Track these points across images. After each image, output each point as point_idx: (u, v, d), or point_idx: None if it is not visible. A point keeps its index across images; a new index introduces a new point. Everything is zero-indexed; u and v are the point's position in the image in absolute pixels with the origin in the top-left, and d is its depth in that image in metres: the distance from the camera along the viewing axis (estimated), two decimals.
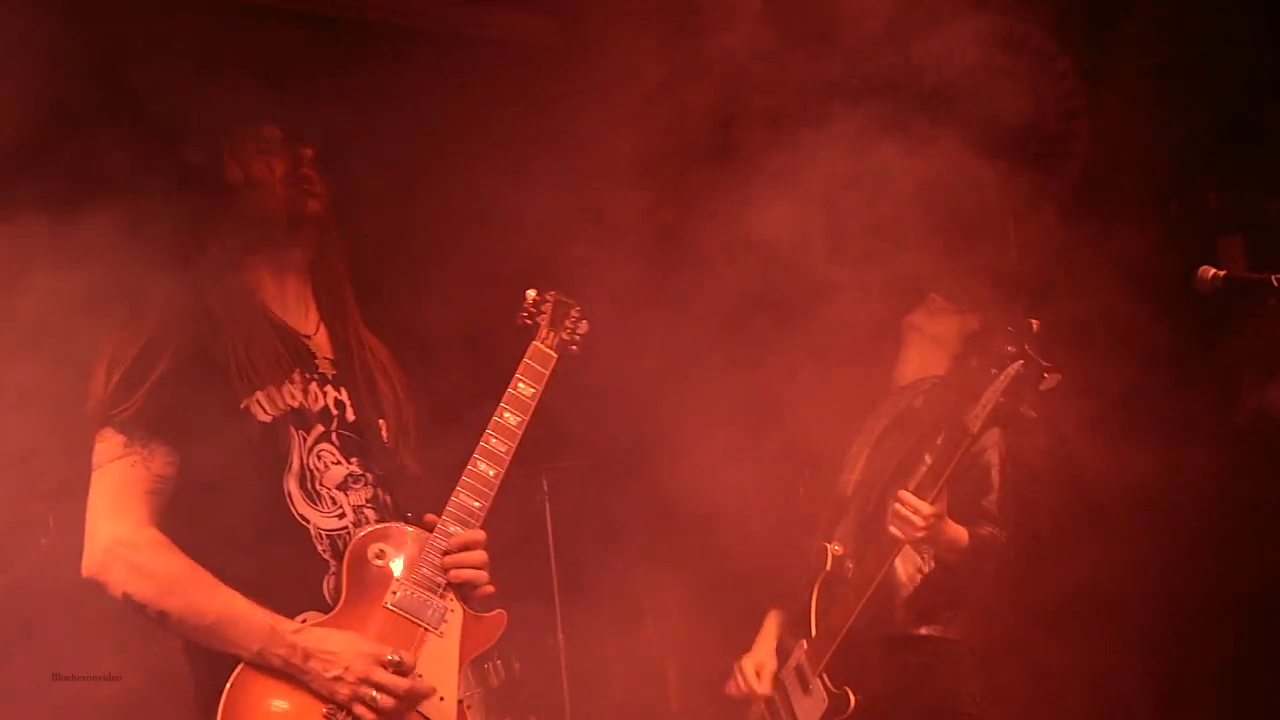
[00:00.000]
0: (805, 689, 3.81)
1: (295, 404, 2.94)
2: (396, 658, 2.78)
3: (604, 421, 4.50)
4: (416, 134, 4.71)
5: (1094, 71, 3.99)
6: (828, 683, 3.72)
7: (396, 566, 2.94)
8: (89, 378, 2.84)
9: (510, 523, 4.54)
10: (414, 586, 2.91)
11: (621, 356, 4.06)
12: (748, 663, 4.00)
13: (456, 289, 4.33)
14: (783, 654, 3.95)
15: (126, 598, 2.64)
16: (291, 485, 2.90)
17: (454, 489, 2.99)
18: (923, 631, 3.77)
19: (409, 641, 2.87)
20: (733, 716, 4.07)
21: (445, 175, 4.69)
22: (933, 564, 3.78)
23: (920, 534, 3.60)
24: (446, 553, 2.95)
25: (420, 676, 2.83)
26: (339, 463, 2.98)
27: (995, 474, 3.77)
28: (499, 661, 4.51)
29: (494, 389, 3.12)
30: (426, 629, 2.90)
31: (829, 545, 3.87)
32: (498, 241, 4.26)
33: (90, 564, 2.75)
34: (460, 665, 2.95)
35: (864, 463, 3.97)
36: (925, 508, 3.57)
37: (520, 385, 3.12)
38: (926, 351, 4.03)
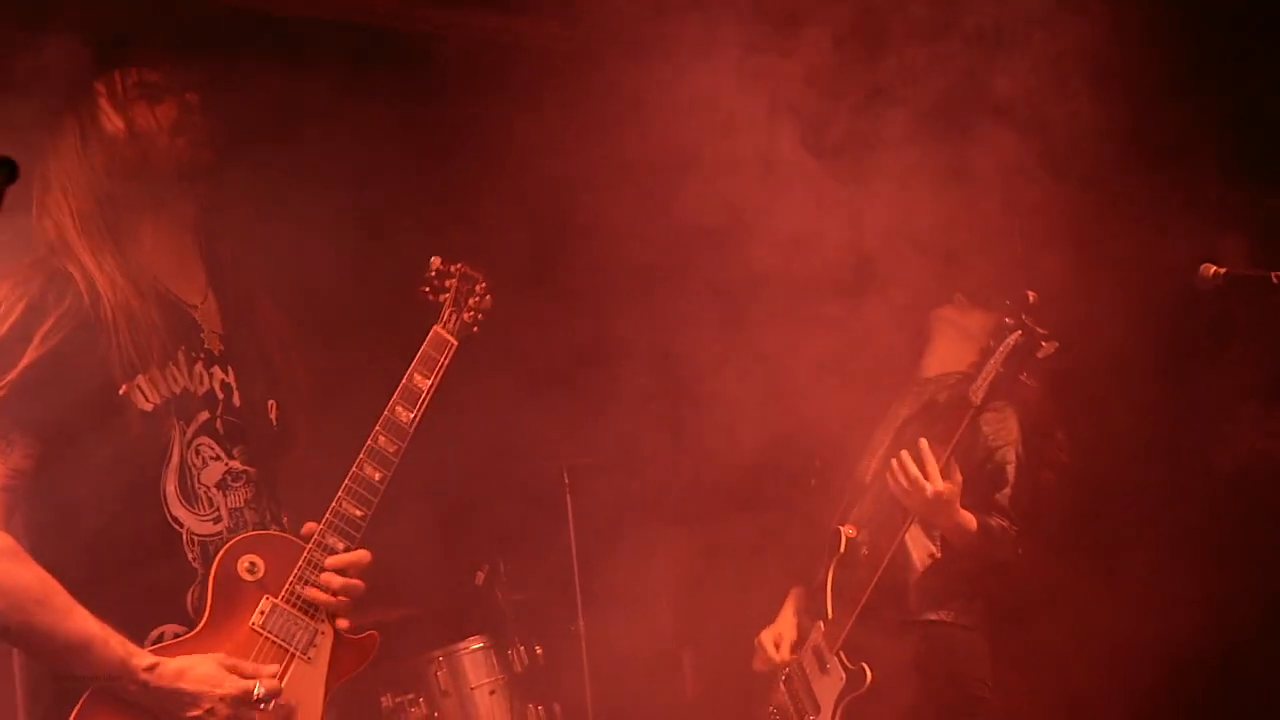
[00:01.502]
0: (823, 669, 3.85)
1: (178, 389, 2.69)
2: (263, 690, 2.58)
3: (623, 419, 4.51)
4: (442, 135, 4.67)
5: (1100, 69, 3.94)
6: (844, 660, 3.77)
7: (268, 583, 2.71)
8: None
9: (533, 516, 4.74)
10: (285, 606, 2.70)
11: (641, 354, 4.21)
12: (767, 635, 4.04)
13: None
14: (801, 634, 4.00)
15: None
16: (169, 483, 2.67)
17: (336, 495, 2.76)
18: (933, 616, 3.82)
19: (271, 666, 2.68)
20: (756, 693, 4.09)
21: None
22: (943, 550, 3.81)
23: (924, 503, 3.61)
24: (323, 570, 2.73)
25: (290, 703, 2.65)
26: (218, 458, 2.74)
27: (1010, 470, 3.82)
28: (522, 648, 4.53)
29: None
30: (294, 654, 2.69)
31: (842, 529, 3.91)
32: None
33: None
34: (327, 692, 2.73)
35: (884, 451, 4.00)
36: (913, 468, 3.60)
37: (415, 377, 2.88)
38: (955, 343, 4.08)
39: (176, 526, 2.63)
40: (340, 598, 2.71)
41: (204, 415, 2.70)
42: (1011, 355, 3.62)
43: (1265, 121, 4.68)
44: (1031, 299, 3.64)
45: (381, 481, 2.77)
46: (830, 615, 3.81)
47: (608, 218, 4.16)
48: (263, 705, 2.55)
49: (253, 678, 2.55)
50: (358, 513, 2.74)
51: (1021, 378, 3.69)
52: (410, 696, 4.41)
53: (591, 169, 4.03)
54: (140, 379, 2.60)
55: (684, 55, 3.83)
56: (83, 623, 2.41)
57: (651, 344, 4.30)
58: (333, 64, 4.14)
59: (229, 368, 2.77)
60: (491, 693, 4.46)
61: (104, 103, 2.68)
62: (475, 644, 4.53)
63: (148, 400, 2.60)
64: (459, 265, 3.04)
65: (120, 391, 2.56)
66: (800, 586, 4.09)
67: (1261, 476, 4.47)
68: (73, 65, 2.68)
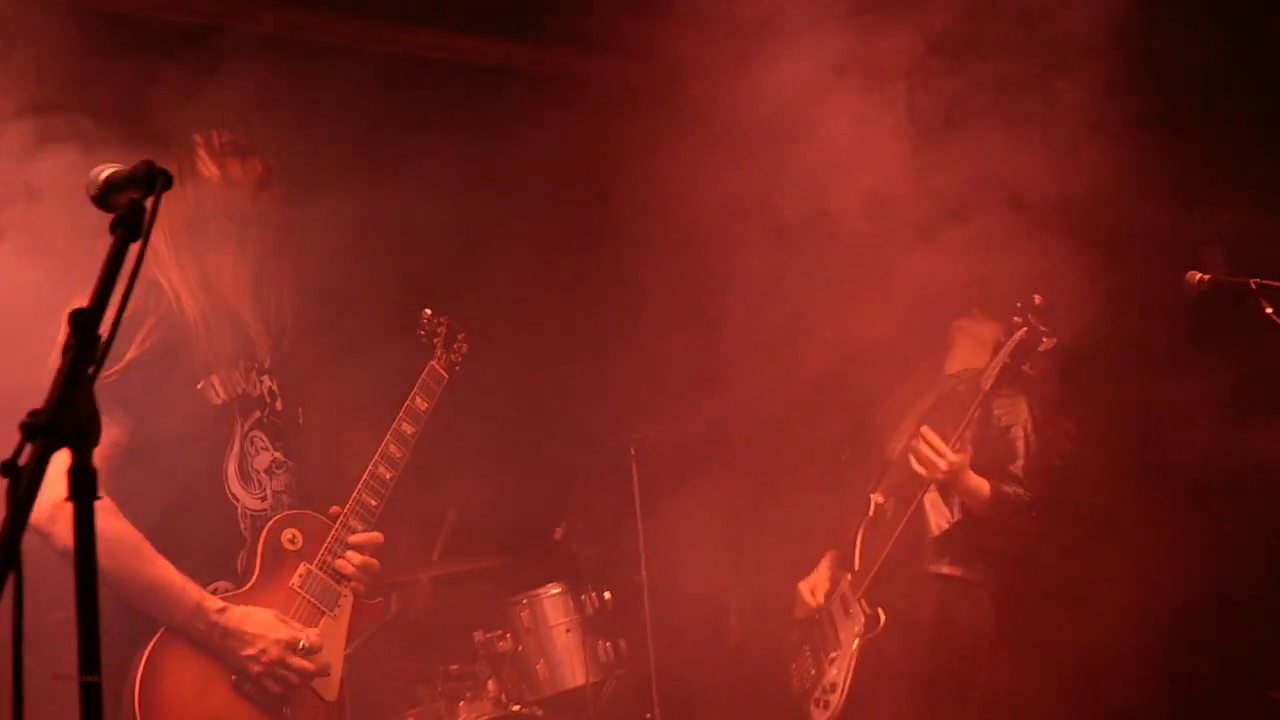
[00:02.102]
0: (847, 612, 4.09)
1: (239, 390, 2.97)
2: (308, 644, 2.88)
3: (683, 397, 4.69)
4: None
5: (1088, 105, 3.97)
6: (864, 605, 4.01)
7: (305, 552, 3.03)
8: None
9: (605, 482, 4.96)
10: (318, 572, 3.03)
11: (695, 343, 4.39)
12: (804, 585, 4.28)
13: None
14: (833, 585, 4.22)
15: (66, 552, 2.40)
16: (230, 465, 2.95)
17: (357, 488, 3.13)
18: (946, 571, 4.05)
19: (309, 619, 2.97)
20: (790, 633, 4.35)
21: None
22: (960, 515, 4.03)
23: (940, 471, 3.84)
24: (348, 547, 3.07)
25: (322, 655, 2.93)
26: (266, 449, 3.03)
27: (1021, 445, 4.01)
28: (594, 594, 4.73)
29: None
30: (324, 610, 3.00)
31: (872, 496, 4.17)
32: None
33: (39, 515, 2.51)
34: (348, 644, 3.08)
35: (907, 434, 4.19)
36: (941, 445, 3.83)
37: (417, 400, 3.33)
38: (971, 347, 4.28)
39: (234, 501, 2.94)
40: (360, 571, 3.05)
41: (257, 414, 3.01)
42: (1017, 349, 3.84)
43: (1241, 147, 4.78)
44: (1037, 301, 3.85)
45: (391, 479, 3.16)
46: (857, 567, 4.09)
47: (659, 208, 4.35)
48: (305, 652, 2.86)
49: (300, 633, 2.89)
50: (373, 503, 3.12)
51: (1025, 368, 3.90)
52: (499, 633, 4.60)
53: (653, 169, 4.20)
54: (214, 377, 2.90)
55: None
56: (166, 570, 2.71)
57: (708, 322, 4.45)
58: (411, 96, 4.34)
59: (274, 379, 3.09)
60: (567, 631, 4.66)
61: (201, 152, 2.97)
62: (554, 589, 4.73)
63: (218, 395, 2.91)
64: (444, 318, 3.54)
65: (198, 386, 2.87)
66: (835, 549, 4.33)
67: (1240, 455, 4.47)
68: (175, 117, 3.02)
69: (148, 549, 2.69)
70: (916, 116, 4.04)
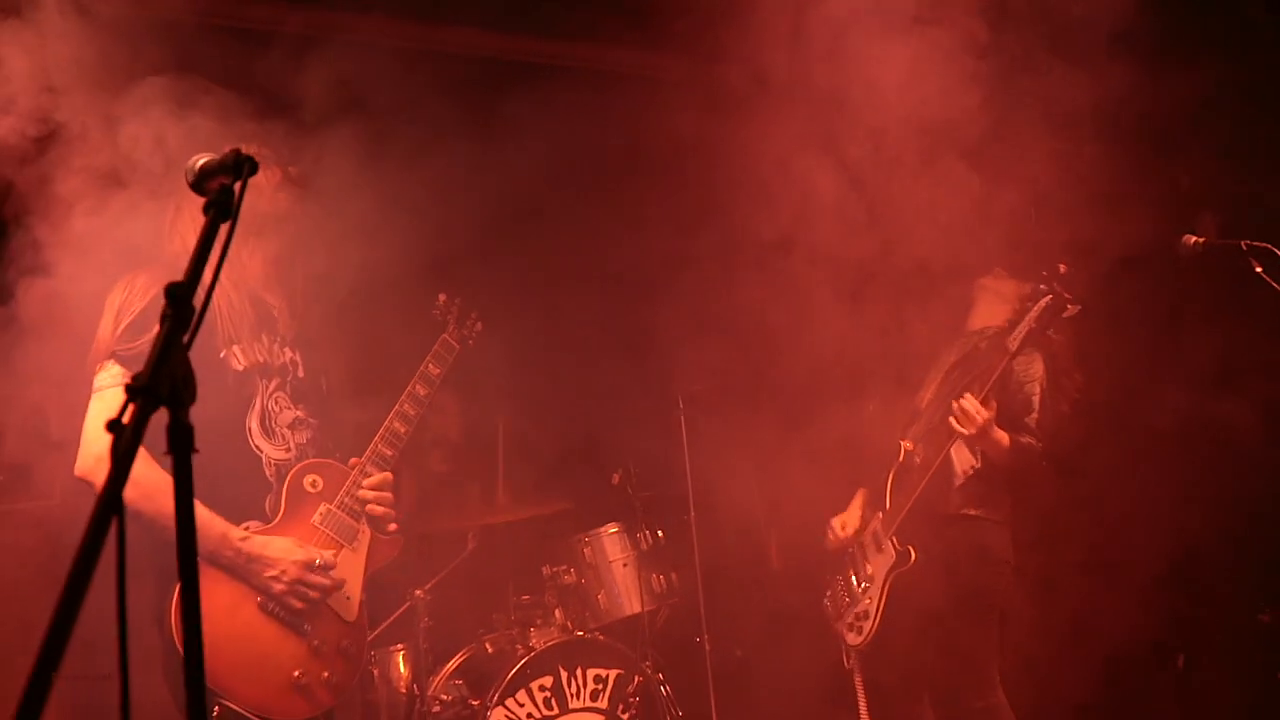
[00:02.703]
0: (879, 548, 4.22)
1: (261, 359, 3.21)
2: (322, 561, 3.09)
3: (728, 356, 4.84)
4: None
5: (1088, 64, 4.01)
6: (895, 543, 4.15)
7: (325, 494, 3.26)
8: (97, 323, 2.97)
9: (657, 433, 5.12)
10: (336, 510, 3.25)
11: (745, 308, 4.54)
12: (836, 520, 4.45)
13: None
14: (864, 522, 4.35)
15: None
16: (253, 422, 3.17)
17: (373, 439, 3.37)
18: (971, 512, 4.18)
19: (329, 550, 3.19)
20: (826, 566, 4.50)
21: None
22: (981, 461, 4.15)
23: (973, 428, 3.93)
24: (364, 488, 3.28)
25: (336, 575, 3.14)
26: (288, 408, 3.25)
27: (1036, 401, 4.12)
28: (648, 532, 4.99)
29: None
30: (342, 543, 3.23)
31: (903, 442, 4.30)
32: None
33: (83, 466, 2.91)
34: (365, 572, 3.28)
35: (936, 386, 4.37)
36: (979, 407, 3.94)
37: (430, 366, 3.61)
38: (993, 305, 4.36)
39: (258, 453, 3.18)
40: (379, 506, 3.26)
41: (278, 380, 3.25)
42: (1043, 314, 3.93)
43: (1234, 113, 4.83)
44: (1062, 269, 3.93)
45: (405, 433, 3.41)
46: (888, 507, 4.22)
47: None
48: (321, 569, 3.06)
49: (315, 553, 3.11)
50: (388, 452, 3.37)
51: (1049, 333, 3.99)
52: (564, 567, 4.87)
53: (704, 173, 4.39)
54: (235, 348, 3.16)
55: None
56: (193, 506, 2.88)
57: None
58: (469, 96, 4.43)
59: (296, 350, 3.34)
60: (625, 565, 4.92)
61: None
62: (612, 528, 4.98)
63: (240, 363, 3.17)
64: (458, 299, 3.81)
65: (220, 355, 3.13)
66: (866, 488, 4.48)
67: (1227, 405, 4.70)
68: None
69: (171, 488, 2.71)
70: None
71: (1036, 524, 4.58)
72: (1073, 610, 5.03)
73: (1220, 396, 4.62)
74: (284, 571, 3.01)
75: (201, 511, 2.83)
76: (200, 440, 1.67)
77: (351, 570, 3.24)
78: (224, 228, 1.78)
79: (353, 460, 3.33)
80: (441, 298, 3.83)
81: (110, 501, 1.42)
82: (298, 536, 3.12)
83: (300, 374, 3.32)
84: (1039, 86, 4.05)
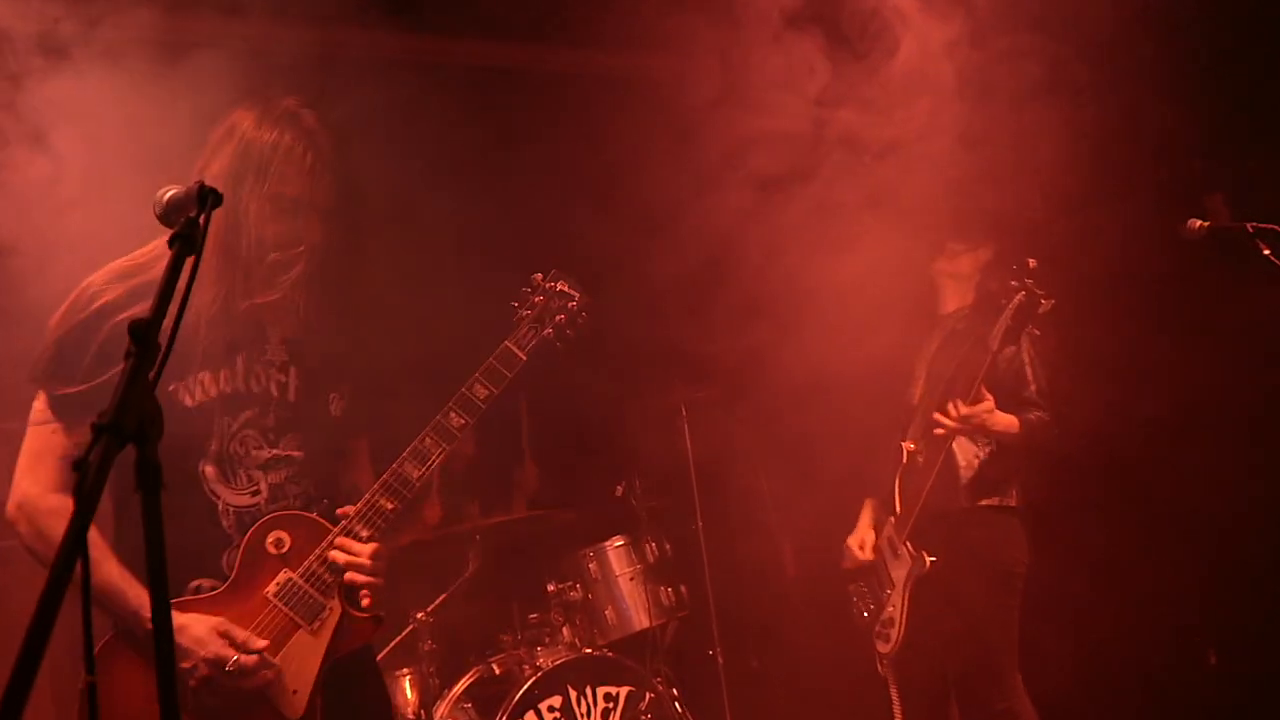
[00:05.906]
0: (895, 554, 4.19)
1: (228, 389, 2.69)
2: (236, 667, 2.52)
3: (731, 361, 4.73)
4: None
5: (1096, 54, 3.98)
6: (910, 548, 4.12)
7: (290, 557, 2.65)
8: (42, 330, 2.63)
9: (660, 442, 5.04)
10: (300, 581, 2.64)
11: (744, 317, 4.40)
12: (852, 540, 4.37)
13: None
14: (878, 529, 4.32)
15: (29, 550, 2.55)
16: (207, 466, 2.66)
17: (371, 489, 2.69)
18: (982, 504, 4.16)
19: (278, 632, 2.61)
20: (844, 575, 4.43)
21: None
22: (988, 450, 4.14)
23: (958, 429, 3.93)
24: (345, 555, 2.64)
25: (274, 666, 2.57)
26: (262, 446, 2.70)
27: (1028, 371, 4.13)
28: (655, 544, 4.91)
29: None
30: (300, 624, 2.63)
31: (904, 444, 4.25)
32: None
33: (9, 512, 2.62)
34: (325, 662, 2.64)
35: (924, 377, 4.33)
36: (953, 411, 3.90)
37: (476, 387, 2.77)
38: (955, 287, 4.37)
39: (213, 499, 2.65)
40: (362, 577, 2.62)
41: (253, 411, 2.71)
42: (1018, 311, 3.91)
43: (1242, 97, 4.82)
44: (1031, 264, 3.89)
45: (419, 480, 2.68)
46: (899, 511, 4.19)
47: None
48: (239, 669, 2.51)
49: (243, 646, 2.54)
50: (389, 506, 2.66)
51: (1027, 329, 3.97)
52: (569, 583, 4.81)
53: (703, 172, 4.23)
54: (189, 379, 2.65)
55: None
56: (111, 571, 2.50)
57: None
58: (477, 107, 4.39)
59: (289, 370, 2.76)
60: (632, 579, 4.85)
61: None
62: (618, 541, 4.92)
63: (192, 399, 2.65)
64: (557, 284, 2.92)
65: (169, 389, 2.62)
66: (873, 498, 4.43)
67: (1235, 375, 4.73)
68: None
69: (94, 550, 2.29)
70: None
71: (1055, 519, 4.53)
72: (1101, 606, 5.01)
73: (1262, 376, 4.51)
74: (196, 666, 2.50)
75: (118, 579, 2.50)
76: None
77: (305, 658, 2.63)
78: (189, 261, 1.76)
79: (341, 510, 2.71)
80: (536, 278, 2.94)
81: (75, 541, 1.41)
82: (238, 612, 2.58)
83: (291, 397, 2.76)
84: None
